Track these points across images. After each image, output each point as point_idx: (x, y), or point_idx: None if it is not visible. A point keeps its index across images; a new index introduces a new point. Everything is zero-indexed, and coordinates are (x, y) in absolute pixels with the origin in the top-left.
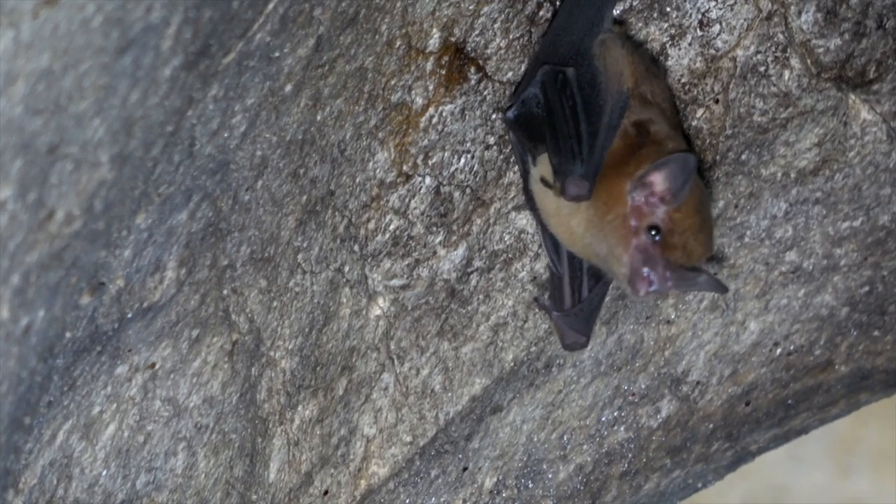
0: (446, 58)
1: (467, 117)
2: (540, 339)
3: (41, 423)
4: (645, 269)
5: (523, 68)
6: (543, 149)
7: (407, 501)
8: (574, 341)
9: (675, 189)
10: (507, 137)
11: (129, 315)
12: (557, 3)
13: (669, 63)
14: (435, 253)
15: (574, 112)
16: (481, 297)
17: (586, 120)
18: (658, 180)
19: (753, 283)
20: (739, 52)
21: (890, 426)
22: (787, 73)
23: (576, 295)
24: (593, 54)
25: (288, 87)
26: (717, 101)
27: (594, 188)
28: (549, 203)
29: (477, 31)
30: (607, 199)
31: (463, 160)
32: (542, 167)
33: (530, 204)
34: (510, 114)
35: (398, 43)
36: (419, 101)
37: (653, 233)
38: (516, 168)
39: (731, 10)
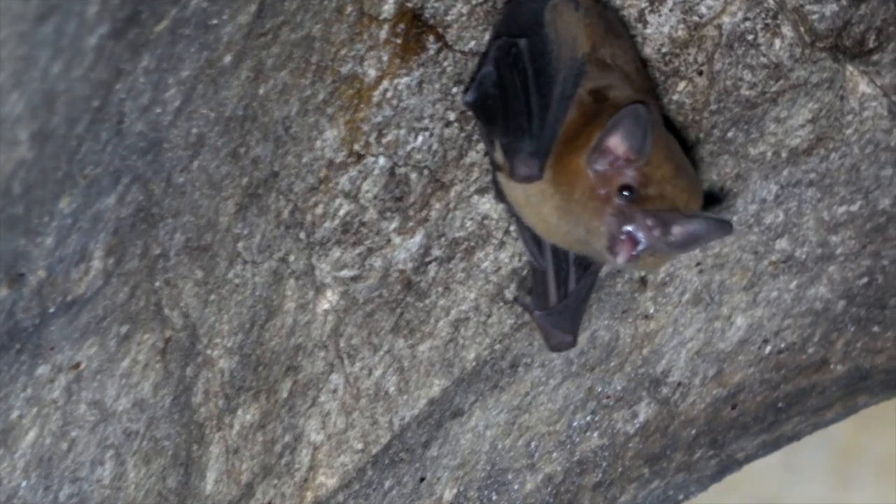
0: (402, 25)
1: (425, 91)
2: (505, 336)
3: None
4: (624, 229)
5: (487, 37)
6: (499, 131)
7: None
8: (560, 342)
9: (636, 145)
10: (469, 115)
11: (52, 309)
12: None
13: (648, 31)
14: (389, 241)
15: (525, 86)
16: (440, 289)
17: (537, 93)
18: (616, 143)
19: (741, 273)
20: (725, 18)
21: (893, 432)
22: (777, 42)
23: (562, 290)
24: (545, 21)
25: (227, 58)
26: (700, 73)
27: (554, 169)
28: (518, 193)
29: None
30: (568, 178)
31: (420, 138)
32: (497, 151)
33: (500, 196)
34: (469, 96)
35: (349, 9)
36: (372, 73)
37: (625, 193)
38: (479, 147)
39: None
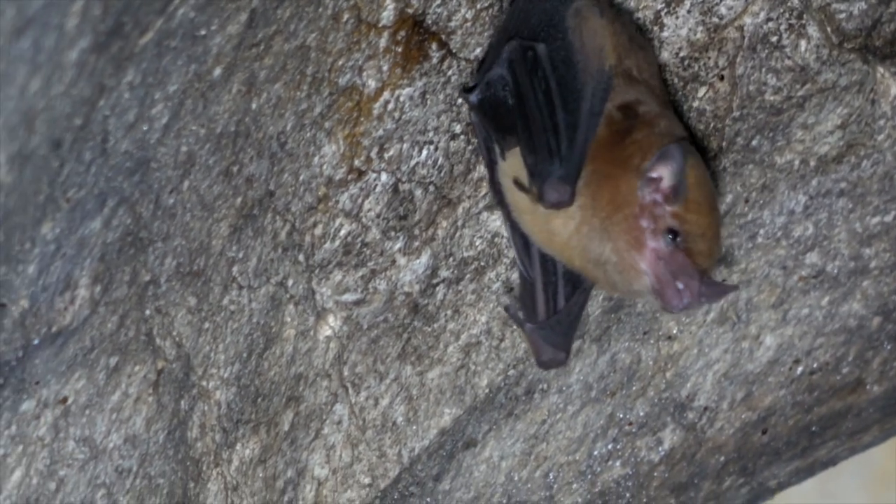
0: (403, 32)
1: (429, 102)
2: (519, 361)
3: None
4: (679, 282)
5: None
6: (514, 141)
7: None
8: (551, 358)
9: (677, 184)
10: (469, 119)
11: (36, 341)
12: None
13: (665, 34)
14: (394, 262)
15: (548, 98)
16: (449, 312)
17: (563, 107)
18: (665, 173)
19: (769, 290)
20: (747, 19)
21: None
22: (803, 44)
23: (550, 304)
24: (568, 27)
25: (217, 71)
26: (722, 78)
27: (591, 186)
28: (522, 199)
29: (438, 1)
30: (612, 198)
31: (425, 152)
32: (515, 166)
33: (498, 197)
34: (474, 97)
35: (346, 16)
36: (372, 84)
37: (670, 237)
38: None
39: None
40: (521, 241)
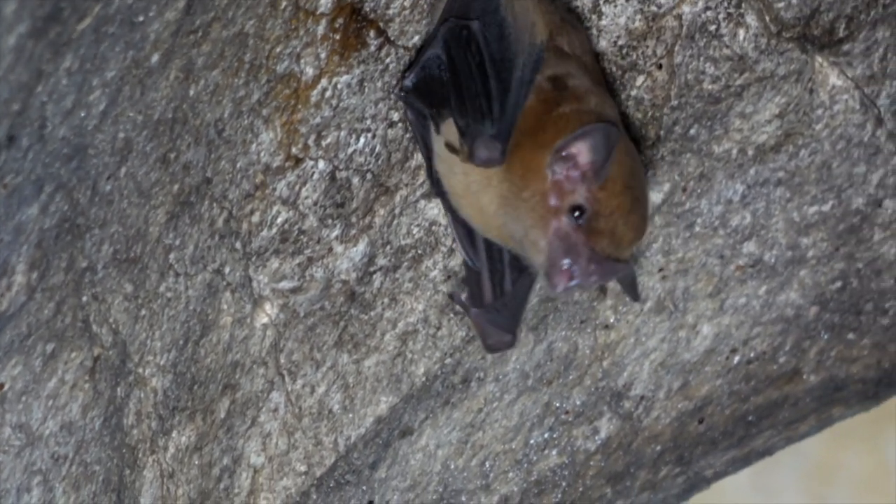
0: (341, 20)
1: (366, 90)
2: (456, 349)
3: None
4: (565, 261)
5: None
6: (448, 114)
7: None
8: (497, 340)
9: (598, 163)
10: (405, 116)
11: None
12: None
13: (604, 23)
14: (331, 249)
15: (482, 69)
16: (386, 300)
17: (496, 76)
18: (582, 151)
19: (706, 279)
20: (686, 8)
21: (872, 449)
22: (741, 33)
23: (497, 290)
24: (500, 4)
25: (155, 58)
26: (660, 67)
27: (510, 158)
28: (458, 182)
29: None
30: (524, 173)
31: (362, 140)
32: (448, 132)
33: (437, 188)
34: (408, 81)
35: (284, 3)
36: (310, 71)
37: (576, 215)
38: None
39: None
40: (464, 230)
